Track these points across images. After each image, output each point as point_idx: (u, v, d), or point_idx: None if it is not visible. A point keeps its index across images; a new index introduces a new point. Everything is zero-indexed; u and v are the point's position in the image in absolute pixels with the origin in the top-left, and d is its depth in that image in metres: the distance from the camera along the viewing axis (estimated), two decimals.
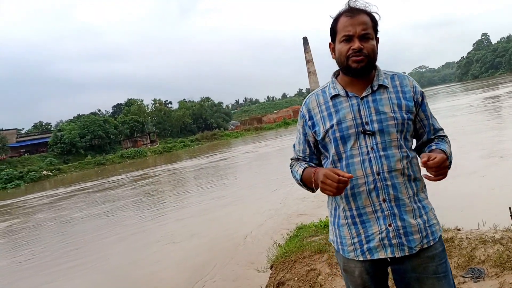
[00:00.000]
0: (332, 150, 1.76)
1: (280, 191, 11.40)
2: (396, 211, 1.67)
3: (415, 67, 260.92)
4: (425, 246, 1.68)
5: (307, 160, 1.92)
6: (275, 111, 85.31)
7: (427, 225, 1.71)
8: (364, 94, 1.73)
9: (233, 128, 74.76)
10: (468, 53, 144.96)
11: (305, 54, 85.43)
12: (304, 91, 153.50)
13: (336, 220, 1.83)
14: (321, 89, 1.86)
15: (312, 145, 1.89)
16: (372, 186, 1.67)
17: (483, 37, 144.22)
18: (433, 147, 1.76)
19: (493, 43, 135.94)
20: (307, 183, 1.83)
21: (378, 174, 1.67)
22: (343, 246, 1.80)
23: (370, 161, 1.68)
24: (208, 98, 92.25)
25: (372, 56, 1.69)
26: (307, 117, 1.86)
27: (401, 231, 1.67)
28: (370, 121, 1.69)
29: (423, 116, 1.81)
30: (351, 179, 1.65)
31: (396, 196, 1.67)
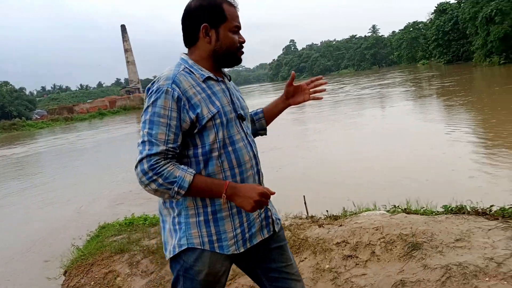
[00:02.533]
0: (216, 136, 1.59)
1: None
2: None
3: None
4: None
5: (176, 152, 1.55)
6: (89, 101, 79.75)
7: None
8: (226, 81, 1.75)
9: (38, 117, 66.76)
10: (279, 56, 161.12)
11: (123, 43, 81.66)
12: (122, 81, 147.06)
13: (211, 216, 1.60)
14: (183, 69, 1.63)
15: (182, 133, 1.58)
16: (255, 169, 1.71)
17: (291, 43, 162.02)
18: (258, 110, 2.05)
19: (299, 49, 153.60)
20: (202, 193, 1.56)
21: (255, 157, 1.72)
22: (222, 243, 1.61)
23: (250, 145, 1.70)
24: (6, 83, 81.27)
25: None
26: (184, 98, 1.55)
27: (273, 210, 1.80)
28: (240, 107, 1.72)
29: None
30: (241, 165, 1.64)
31: (261, 181, 1.76)
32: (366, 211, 4.06)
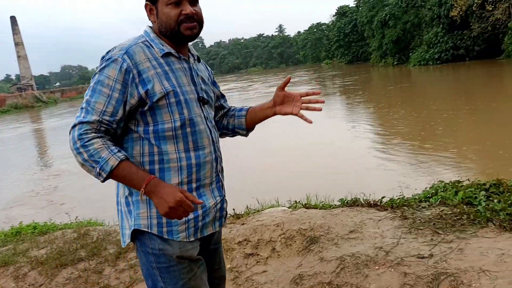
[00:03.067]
0: (170, 115, 1.48)
1: None
2: (223, 183, 1.68)
3: None
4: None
5: (113, 127, 1.43)
6: None
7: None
8: (191, 60, 1.63)
9: None
10: None
11: (13, 36, 74.93)
12: (13, 77, 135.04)
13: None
14: (142, 42, 1.52)
15: (126, 108, 1.45)
16: (214, 156, 1.59)
17: (199, 40, 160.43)
18: (241, 108, 1.85)
19: (207, 47, 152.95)
20: (123, 181, 1.44)
21: (214, 143, 1.60)
22: (172, 227, 1.48)
23: (209, 129, 1.58)
24: None
25: (202, 22, 1.58)
26: (134, 71, 1.43)
27: (225, 204, 1.68)
28: (202, 90, 1.60)
29: (219, 93, 1.84)
30: (198, 148, 1.52)
31: (222, 168, 1.67)
32: (270, 208, 4.11)
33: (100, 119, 1.39)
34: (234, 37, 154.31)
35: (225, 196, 1.67)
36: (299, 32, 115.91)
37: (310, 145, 10.30)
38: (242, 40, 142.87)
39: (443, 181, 3.74)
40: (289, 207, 3.93)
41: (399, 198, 3.58)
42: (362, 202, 3.63)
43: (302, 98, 1.74)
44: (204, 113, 1.58)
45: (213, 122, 1.66)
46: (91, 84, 1.45)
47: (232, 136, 1.90)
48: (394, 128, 11.26)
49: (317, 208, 3.71)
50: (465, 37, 31.74)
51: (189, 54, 1.63)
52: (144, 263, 1.52)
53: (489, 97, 14.69)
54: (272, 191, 5.73)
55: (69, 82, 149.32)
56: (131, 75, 1.42)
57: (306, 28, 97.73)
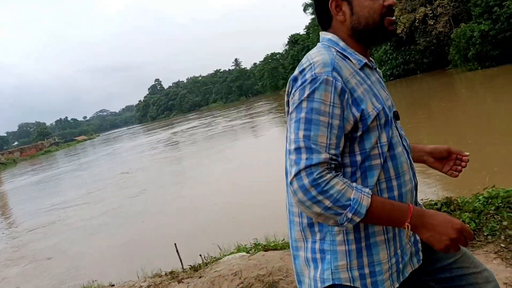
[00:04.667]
0: (378, 140, 1.22)
1: None
2: None
3: (97, 110, 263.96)
4: None
5: (339, 162, 1.18)
6: None
7: None
8: (378, 69, 1.39)
9: None
10: (145, 96, 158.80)
11: None
12: None
13: (364, 243, 1.23)
14: (336, 53, 1.25)
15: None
16: (413, 183, 1.33)
17: (156, 82, 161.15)
18: None
19: (165, 88, 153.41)
20: (378, 221, 1.19)
21: (411, 168, 1.34)
22: (377, 277, 1.23)
23: (406, 151, 1.33)
24: None
25: None
26: (347, 91, 1.18)
27: (418, 236, 1.37)
28: (392, 104, 1.34)
29: None
30: (399, 176, 1.26)
31: (416, 198, 1.39)
32: (229, 255, 3.96)
33: (330, 156, 1.14)
34: (192, 75, 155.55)
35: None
36: (255, 63, 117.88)
37: (272, 180, 10.22)
38: (200, 78, 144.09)
39: None
40: (247, 252, 3.79)
41: None
42: None
43: (457, 158, 1.56)
44: (399, 132, 1.34)
45: (406, 140, 1.39)
46: (301, 115, 1.16)
47: None
48: None
49: (277, 249, 3.60)
50: (413, 52, 33.01)
51: (371, 60, 1.38)
52: None
53: (445, 106, 15.20)
54: (234, 233, 5.60)
55: (28, 140, 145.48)
56: (346, 96, 1.18)
57: (262, 59, 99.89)
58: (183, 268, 4.23)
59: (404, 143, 1.33)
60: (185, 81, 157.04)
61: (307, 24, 64.49)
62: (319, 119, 1.14)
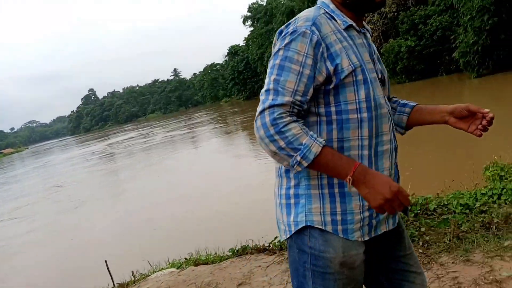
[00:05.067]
0: (355, 95, 1.28)
1: None
2: (399, 176, 1.45)
3: (25, 122, 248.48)
4: None
5: (304, 109, 1.26)
6: None
7: None
8: (368, 35, 1.44)
9: None
10: (78, 107, 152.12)
11: None
12: None
13: (337, 189, 1.29)
14: (323, 13, 1.33)
15: (315, 87, 1.27)
16: (393, 145, 1.40)
17: (90, 92, 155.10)
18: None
19: (100, 98, 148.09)
20: (324, 169, 1.24)
21: (393, 131, 1.41)
22: (347, 225, 1.29)
23: (389, 115, 1.39)
24: None
25: None
26: (323, 44, 1.26)
27: None
28: (380, 70, 1.42)
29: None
30: (379, 134, 1.33)
31: (396, 160, 1.44)
32: (160, 270, 3.85)
33: (293, 99, 1.22)
34: (129, 85, 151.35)
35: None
36: (195, 74, 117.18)
37: (209, 188, 10.16)
38: (137, 88, 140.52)
39: None
40: (177, 267, 3.70)
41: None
42: (252, 248, 3.54)
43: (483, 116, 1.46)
44: (384, 95, 1.40)
45: (390, 107, 1.48)
46: (276, 62, 1.26)
47: None
48: None
49: (208, 263, 3.54)
50: None
51: (363, 27, 1.44)
52: (296, 262, 1.34)
53: None
54: (170, 247, 5.47)
55: None
56: (320, 49, 1.25)
57: (201, 70, 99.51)
58: (113, 285, 4.06)
59: (388, 108, 1.40)
60: (121, 91, 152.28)
61: (246, 36, 65.15)
62: (291, 67, 1.24)
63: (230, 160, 14.16)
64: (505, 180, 3.92)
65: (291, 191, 1.33)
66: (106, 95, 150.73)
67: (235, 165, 13.06)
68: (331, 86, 1.27)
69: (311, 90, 1.25)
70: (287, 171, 1.34)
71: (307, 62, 1.24)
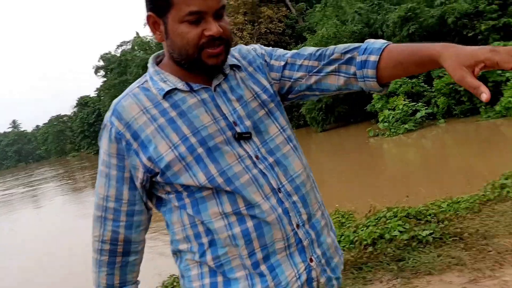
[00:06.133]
0: (195, 180, 1.03)
1: None
2: (313, 235, 1.14)
3: None
4: (341, 267, 1.22)
5: (127, 215, 1.08)
6: None
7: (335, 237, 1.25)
8: (215, 82, 1.12)
9: None
10: None
11: None
12: None
13: (221, 278, 1.07)
14: (138, 86, 1.10)
15: (137, 185, 1.07)
16: (280, 210, 1.08)
17: None
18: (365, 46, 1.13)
19: None
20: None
21: (280, 190, 1.09)
22: None
23: (263, 175, 1.08)
24: None
25: (230, 40, 1.09)
26: (127, 136, 1.04)
27: (323, 260, 1.15)
28: (239, 119, 1.10)
29: (284, 64, 1.21)
30: (252, 206, 1.05)
31: (309, 213, 1.14)
32: None
33: (103, 215, 1.11)
34: None
35: (323, 254, 1.15)
36: (37, 126, 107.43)
37: (59, 257, 9.09)
38: None
39: None
40: None
41: None
42: None
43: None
44: (250, 153, 1.09)
45: (276, 153, 1.13)
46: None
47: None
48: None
49: None
50: None
51: (223, 72, 1.16)
52: None
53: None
54: None
55: None
56: (123, 142, 1.05)
57: (46, 121, 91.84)
58: None
59: (263, 164, 1.10)
60: None
61: (98, 86, 62.73)
62: (101, 169, 1.12)
63: (76, 221, 12.93)
64: (343, 227, 4.25)
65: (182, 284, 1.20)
66: None
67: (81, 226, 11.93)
68: (161, 177, 1.06)
69: (126, 191, 1.09)
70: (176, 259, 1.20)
71: (112, 162, 1.09)
